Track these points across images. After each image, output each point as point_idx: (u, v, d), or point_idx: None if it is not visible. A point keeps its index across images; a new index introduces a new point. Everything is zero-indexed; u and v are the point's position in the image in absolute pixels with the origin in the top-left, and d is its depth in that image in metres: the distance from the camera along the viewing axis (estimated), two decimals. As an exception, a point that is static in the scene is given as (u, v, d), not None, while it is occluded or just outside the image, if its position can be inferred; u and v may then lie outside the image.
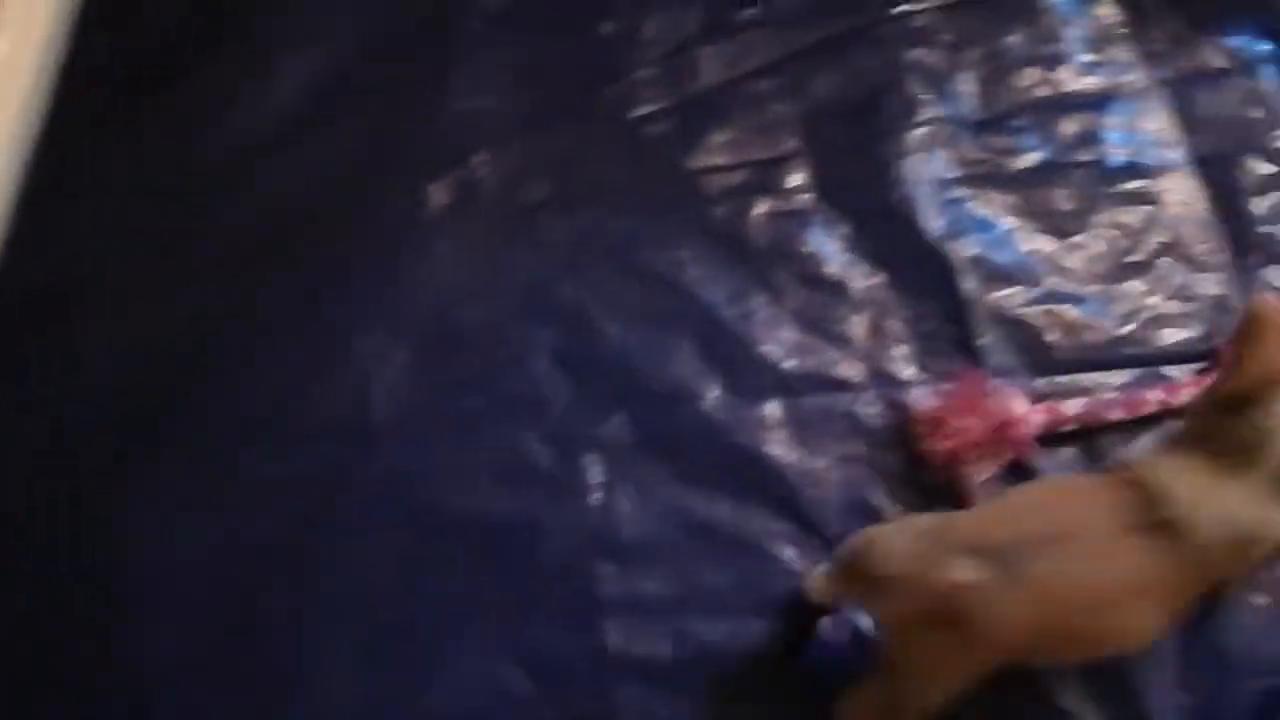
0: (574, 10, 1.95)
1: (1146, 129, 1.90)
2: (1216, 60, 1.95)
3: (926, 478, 1.64)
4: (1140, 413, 1.67)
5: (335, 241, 1.80)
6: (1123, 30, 1.97)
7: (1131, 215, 1.83)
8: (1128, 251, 1.81)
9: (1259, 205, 1.84)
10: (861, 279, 1.77)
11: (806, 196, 1.82)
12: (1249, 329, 1.38)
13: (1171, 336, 1.75)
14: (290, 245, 1.80)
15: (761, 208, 1.82)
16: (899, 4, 1.96)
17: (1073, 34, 1.96)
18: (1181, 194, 1.85)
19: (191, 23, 1.91)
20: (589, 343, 1.72)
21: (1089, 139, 1.89)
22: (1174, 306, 1.78)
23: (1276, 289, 1.77)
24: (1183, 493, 1.34)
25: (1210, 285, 1.79)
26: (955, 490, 1.60)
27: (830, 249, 1.79)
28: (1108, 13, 1.98)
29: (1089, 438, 1.66)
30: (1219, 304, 1.77)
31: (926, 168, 1.84)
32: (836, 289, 1.77)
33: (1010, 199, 1.84)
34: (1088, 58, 1.95)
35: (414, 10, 1.93)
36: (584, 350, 1.72)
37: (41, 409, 1.68)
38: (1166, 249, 1.81)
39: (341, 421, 1.68)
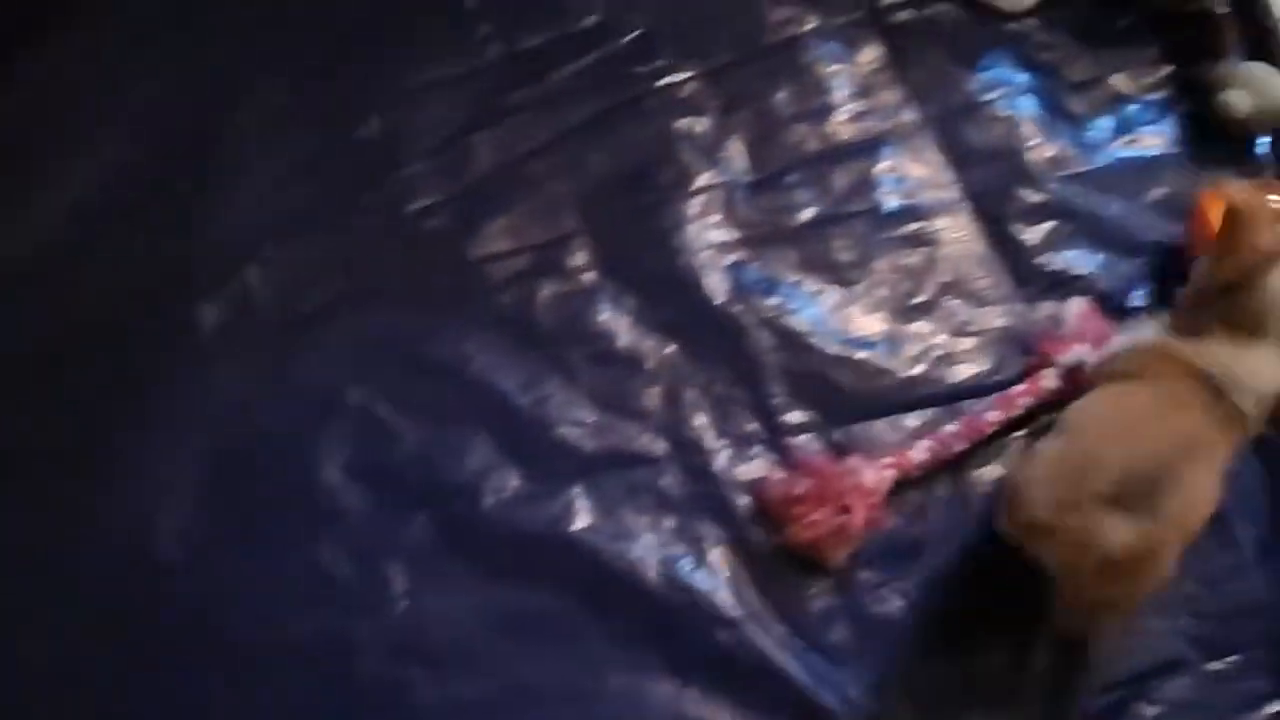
0: (340, 110, 1.91)
1: (918, 170, 1.93)
2: (979, 94, 2.00)
3: (744, 537, 1.65)
4: (983, 434, 1.70)
5: (114, 369, 1.73)
6: (886, 73, 2.01)
7: (912, 257, 1.86)
8: (911, 294, 1.84)
9: (1032, 235, 1.89)
10: (653, 351, 1.77)
11: (591, 274, 1.81)
12: (1229, 222, 1.52)
13: (963, 372, 1.79)
14: (69, 374, 1.73)
15: (547, 290, 1.80)
16: (664, 75, 1.97)
17: (838, 83, 1.99)
18: (958, 231, 1.89)
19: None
20: (383, 447, 1.69)
21: (863, 187, 1.91)
22: (961, 343, 1.81)
23: (1055, 318, 1.82)
24: (1233, 373, 1.51)
25: (994, 318, 1.82)
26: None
27: (620, 324, 1.78)
28: (870, 58, 2.02)
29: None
30: (1005, 336, 1.81)
31: (706, 233, 1.85)
32: (630, 363, 1.76)
33: (792, 255, 1.85)
34: (855, 106, 1.98)
35: (180, 121, 1.88)
36: (378, 456, 1.68)
37: None
38: (949, 287, 1.85)
39: (131, 553, 1.62)
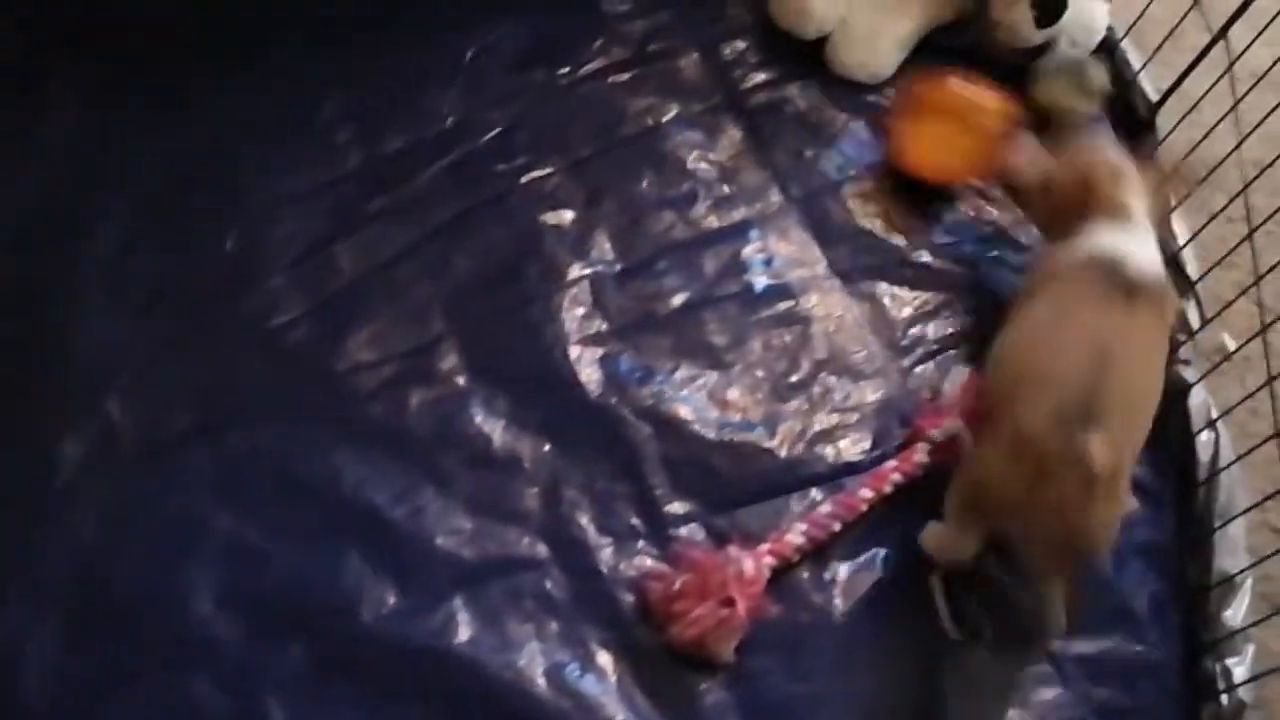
0: (196, 227, 1.87)
1: (786, 249, 1.94)
2: (839, 171, 2.02)
3: (631, 637, 1.61)
4: (857, 512, 1.67)
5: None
6: (748, 156, 2.02)
7: (786, 336, 1.86)
8: (788, 373, 1.83)
9: (903, 307, 1.90)
10: (530, 450, 1.73)
11: (461, 377, 1.78)
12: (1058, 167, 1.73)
13: (844, 449, 1.78)
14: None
15: (417, 397, 1.76)
16: (527, 171, 1.96)
17: (701, 169, 2.00)
18: (829, 308, 1.89)
19: None
20: (254, 573, 1.62)
21: (733, 269, 1.91)
22: (841, 419, 1.80)
23: (935, 387, 1.82)
24: (1116, 250, 1.60)
25: (871, 392, 1.82)
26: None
27: (494, 426, 1.75)
28: (730, 142, 2.03)
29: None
30: (883, 409, 1.81)
31: (577, 326, 1.83)
32: (506, 465, 1.72)
33: (665, 342, 1.84)
34: (719, 190, 1.98)
35: (30, 252, 1.82)
36: (250, 583, 1.61)
37: None
38: (824, 364, 1.84)
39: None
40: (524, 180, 1.95)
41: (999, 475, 1.51)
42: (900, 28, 2.08)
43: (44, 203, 1.85)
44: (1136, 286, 1.57)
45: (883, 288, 1.91)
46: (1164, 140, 2.05)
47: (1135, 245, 1.63)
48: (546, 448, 1.74)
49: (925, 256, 1.95)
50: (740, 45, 2.12)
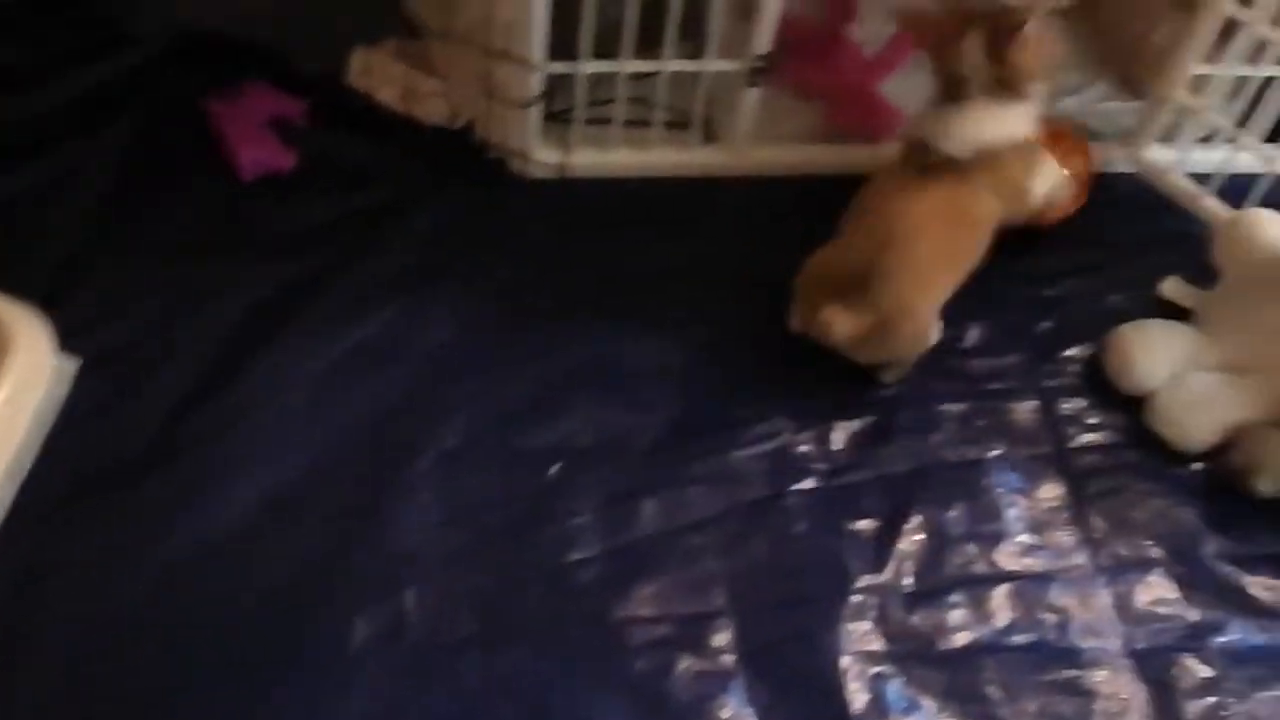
0: (524, 451, 1.99)
1: (1084, 615, 1.88)
2: (1153, 551, 1.96)
3: None
4: None
5: (258, 666, 1.76)
6: (1063, 513, 1.99)
7: (1063, 706, 1.79)
8: (1057, 744, 1.76)
9: (1194, 707, 1.80)
10: (777, 749, 1.72)
11: (729, 657, 1.79)
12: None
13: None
14: (213, 671, 1.76)
15: (683, 664, 1.79)
16: (843, 474, 2.00)
17: (1013, 513, 1.98)
18: (1115, 687, 1.81)
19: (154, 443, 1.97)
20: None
21: (1025, 621, 1.87)
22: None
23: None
24: (938, 128, 1.93)
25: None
26: None
27: (747, 714, 1.74)
28: (1049, 495, 2.01)
29: None
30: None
31: (855, 640, 1.82)
32: (753, 760, 1.72)
33: (940, 678, 1.80)
34: (1027, 538, 1.96)
35: (363, 444, 1.96)
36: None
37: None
38: (1096, 745, 1.76)
39: None
40: (836, 482, 2.00)
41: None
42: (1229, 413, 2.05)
43: (409, 401, 2.01)
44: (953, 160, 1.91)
45: (1178, 680, 1.82)
46: None
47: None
48: (794, 750, 1.73)
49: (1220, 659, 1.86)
50: (1080, 403, 2.12)
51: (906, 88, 2.34)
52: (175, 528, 1.86)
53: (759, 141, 2.31)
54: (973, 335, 2.17)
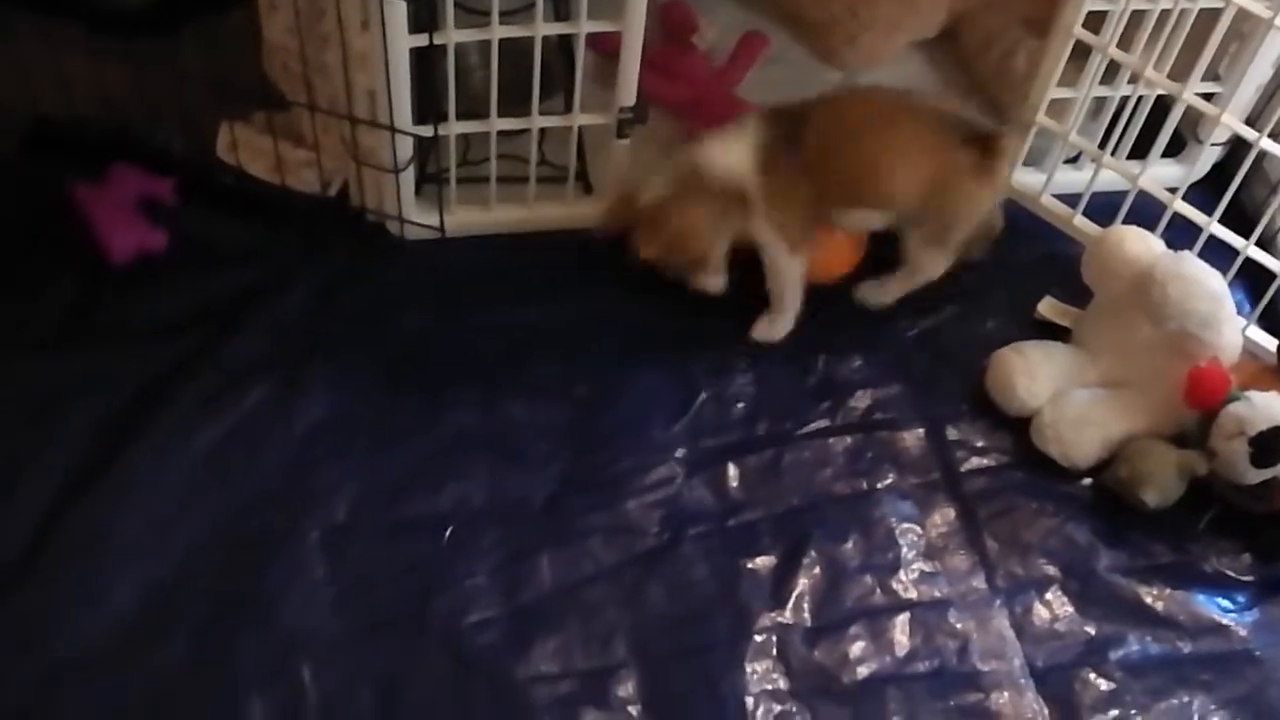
0: (415, 522, 1.97)
1: (982, 639, 1.90)
2: (1048, 568, 1.99)
3: None
4: None
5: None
6: (957, 538, 2.01)
7: (966, 730, 1.80)
8: (962, 769, 1.77)
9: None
10: (688, 800, 1.71)
11: (634, 708, 1.78)
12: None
13: None
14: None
15: (587, 719, 1.78)
16: (738, 514, 2.01)
17: (907, 542, 2.00)
18: (1018, 707, 1.83)
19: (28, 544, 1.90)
20: None
21: (925, 649, 1.88)
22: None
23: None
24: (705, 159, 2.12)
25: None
26: None
27: (657, 764, 1.74)
28: (942, 521, 2.03)
29: None
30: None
31: (757, 679, 1.82)
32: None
33: (843, 712, 1.80)
34: (923, 566, 1.97)
35: (245, 528, 1.93)
36: None
37: None
38: (1002, 767, 1.77)
39: None
40: (731, 522, 2.00)
41: None
42: (1111, 428, 2.08)
43: (289, 479, 1.99)
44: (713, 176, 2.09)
45: (1079, 697, 1.84)
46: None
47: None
48: (706, 798, 1.72)
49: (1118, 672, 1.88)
50: (966, 428, 2.13)
51: (761, 82, 2.45)
52: (62, 628, 1.81)
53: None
54: (855, 368, 2.19)
